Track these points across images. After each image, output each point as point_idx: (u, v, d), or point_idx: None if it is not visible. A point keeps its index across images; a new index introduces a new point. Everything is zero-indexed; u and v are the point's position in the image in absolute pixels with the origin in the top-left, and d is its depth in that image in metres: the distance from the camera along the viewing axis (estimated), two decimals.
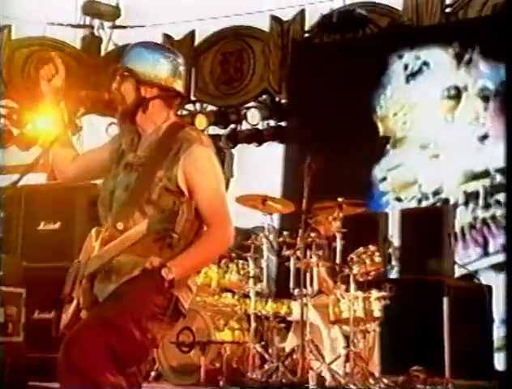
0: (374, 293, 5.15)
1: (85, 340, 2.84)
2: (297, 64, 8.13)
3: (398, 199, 6.89)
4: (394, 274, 5.97)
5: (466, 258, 6.74)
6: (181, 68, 3.06)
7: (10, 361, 4.91)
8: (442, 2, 7.76)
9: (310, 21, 8.29)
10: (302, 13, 8.33)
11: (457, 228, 6.64)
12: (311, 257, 5.27)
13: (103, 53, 9.29)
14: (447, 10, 7.77)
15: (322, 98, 7.69)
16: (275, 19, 8.48)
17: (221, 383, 5.12)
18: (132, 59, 3.07)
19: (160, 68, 3.03)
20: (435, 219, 6.27)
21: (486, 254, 6.89)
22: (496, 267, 6.72)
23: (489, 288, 6.45)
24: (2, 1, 9.02)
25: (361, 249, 5.22)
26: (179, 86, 3.03)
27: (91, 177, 3.34)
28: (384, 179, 7.41)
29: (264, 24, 8.53)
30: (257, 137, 8.42)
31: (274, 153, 8.26)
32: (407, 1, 7.88)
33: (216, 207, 2.96)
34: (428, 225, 6.20)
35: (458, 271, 6.53)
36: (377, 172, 7.45)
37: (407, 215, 6.44)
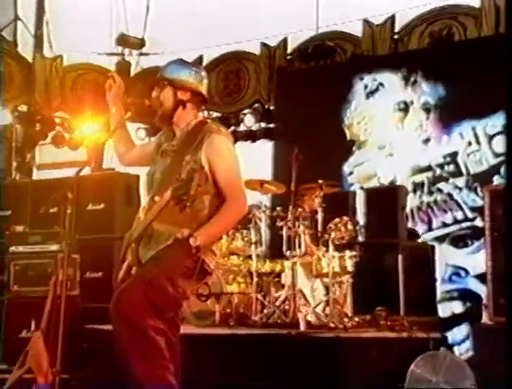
0: (347, 253, 5.10)
1: (129, 294, 2.78)
2: (282, 84, 8.10)
3: (363, 188, 6.77)
4: (361, 238, 5.89)
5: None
6: (205, 79, 3.04)
7: (70, 310, 4.82)
8: (392, 30, 7.67)
9: (292, 45, 8.22)
10: (285, 40, 8.26)
11: (408, 210, 6.59)
12: (299, 227, 5.23)
13: (132, 74, 9.15)
14: (395, 36, 7.68)
15: (302, 109, 7.62)
16: (264, 45, 8.39)
17: (231, 324, 5.07)
18: (170, 71, 3.05)
19: (191, 77, 3.02)
20: (392, 195, 6.18)
21: (430, 229, 6.86)
22: (438, 239, 6.72)
23: (432, 247, 6.40)
24: (57, 35, 8.99)
25: (337, 219, 5.16)
26: (204, 91, 3.03)
27: (141, 164, 3.30)
28: (351, 173, 7.35)
29: (256, 49, 8.44)
30: (251, 136, 8.31)
31: (265, 148, 8.17)
32: (365, 30, 7.78)
33: (232, 183, 2.90)
34: (387, 200, 6.12)
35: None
36: (346, 167, 7.38)
37: (370, 193, 6.36)
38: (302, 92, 7.68)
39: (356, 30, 7.85)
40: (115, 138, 3.17)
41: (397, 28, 7.69)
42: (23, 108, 8.87)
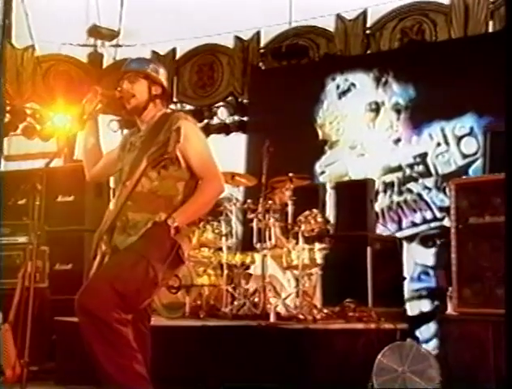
0: (317, 245, 5.11)
1: (94, 287, 2.77)
2: (256, 82, 8.09)
3: (333, 188, 6.66)
4: (331, 231, 5.93)
5: (385, 232, 6.77)
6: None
7: (38, 302, 4.78)
8: (364, 25, 7.73)
9: (265, 39, 8.22)
10: (258, 34, 8.25)
11: (378, 210, 6.66)
12: (269, 219, 5.23)
13: (104, 65, 9.07)
14: (368, 31, 7.73)
15: (276, 104, 7.62)
16: (237, 39, 8.37)
17: (201, 316, 5.06)
18: (145, 65, 3.07)
19: (163, 74, 3.07)
20: (360, 188, 6.23)
21: (400, 228, 6.91)
22: (407, 238, 6.76)
23: (400, 240, 6.48)
24: (27, 25, 8.85)
25: (307, 212, 5.18)
26: (169, 90, 3.08)
27: (110, 174, 3.28)
28: (323, 172, 7.36)
29: (229, 42, 8.42)
30: (225, 129, 8.29)
31: (238, 141, 8.14)
32: (338, 24, 7.81)
33: (205, 163, 2.92)
34: (356, 194, 6.18)
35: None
36: (318, 167, 7.40)
37: (339, 187, 6.41)
38: (275, 91, 7.70)
39: (329, 25, 7.88)
40: (86, 131, 3.12)
41: (369, 23, 7.74)
42: None
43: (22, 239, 5.70)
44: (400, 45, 7.46)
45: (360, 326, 4.84)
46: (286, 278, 5.33)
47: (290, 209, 5.28)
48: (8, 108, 8.73)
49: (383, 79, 7.30)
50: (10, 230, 5.83)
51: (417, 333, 6.05)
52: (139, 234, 2.77)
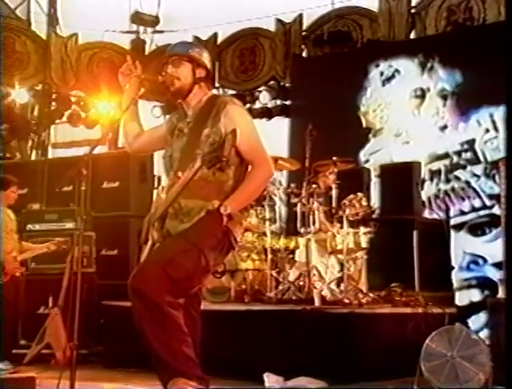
0: (362, 229, 5.06)
1: (147, 271, 2.80)
2: (297, 71, 7.99)
3: (378, 176, 6.54)
4: (376, 214, 5.86)
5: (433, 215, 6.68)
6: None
7: (86, 287, 4.87)
8: (409, 4, 7.55)
9: (307, 21, 8.13)
10: (300, 16, 8.17)
11: (424, 198, 6.53)
12: (313, 203, 5.19)
13: (147, 52, 9.11)
14: (412, 10, 7.55)
15: (318, 89, 7.51)
16: (279, 22, 8.30)
17: (246, 300, 5.09)
18: (191, 50, 3.07)
19: (207, 57, 3.06)
20: (406, 172, 6.13)
21: (448, 217, 6.74)
22: (455, 227, 6.60)
23: (448, 223, 6.36)
24: (70, 13, 8.99)
25: (352, 196, 5.12)
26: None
27: (153, 149, 3.31)
28: (367, 161, 7.24)
29: (271, 26, 8.36)
30: (267, 113, 8.25)
31: (281, 126, 8.10)
32: (382, 4, 7.66)
33: (254, 148, 2.91)
34: (402, 176, 6.07)
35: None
36: (362, 155, 7.28)
37: (385, 170, 6.31)
38: (317, 79, 7.60)
39: (373, 5, 7.74)
40: (126, 118, 3.14)
41: (414, 2, 7.58)
42: (39, 87, 8.89)
43: (69, 225, 5.82)
44: (447, 24, 7.28)
45: (407, 310, 4.79)
46: (330, 262, 5.30)
47: (334, 193, 5.24)
48: (54, 95, 8.90)
49: (428, 65, 7.13)
50: (57, 216, 5.95)
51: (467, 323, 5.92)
52: (192, 222, 2.77)
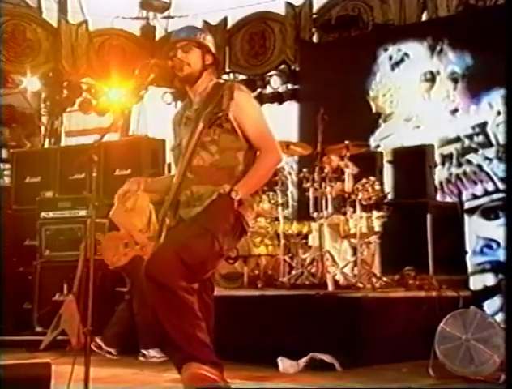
0: (375, 213, 5.04)
1: (160, 257, 2.82)
2: (307, 56, 7.93)
3: (390, 162, 6.44)
4: (389, 198, 5.82)
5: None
6: None
7: (100, 273, 4.90)
8: None
9: (317, 4, 8.04)
10: None
11: (436, 183, 6.43)
12: (325, 188, 5.17)
13: (157, 38, 9.07)
14: None
15: (327, 77, 7.43)
16: (289, 5, 8.23)
17: (259, 286, 5.09)
18: (198, 35, 3.06)
19: (210, 40, 3.04)
20: (420, 154, 6.07)
21: (460, 201, 6.63)
22: (468, 211, 6.51)
23: (462, 206, 6.32)
24: (80, 0, 8.97)
25: (364, 180, 5.10)
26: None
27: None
28: (378, 146, 7.13)
29: (280, 9, 8.28)
30: (278, 98, 8.21)
31: (291, 110, 8.05)
32: None
33: (261, 133, 2.92)
34: (415, 160, 6.02)
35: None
36: (372, 141, 7.17)
37: (398, 153, 6.26)
38: (326, 64, 7.54)
39: None
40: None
41: None
42: (50, 74, 8.90)
43: (82, 212, 5.84)
44: (458, 4, 7.16)
45: (421, 294, 4.77)
46: (343, 247, 5.29)
47: (346, 177, 5.21)
48: (65, 83, 8.89)
49: (438, 48, 7.03)
50: (71, 204, 5.97)
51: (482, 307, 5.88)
52: (204, 205, 2.79)
